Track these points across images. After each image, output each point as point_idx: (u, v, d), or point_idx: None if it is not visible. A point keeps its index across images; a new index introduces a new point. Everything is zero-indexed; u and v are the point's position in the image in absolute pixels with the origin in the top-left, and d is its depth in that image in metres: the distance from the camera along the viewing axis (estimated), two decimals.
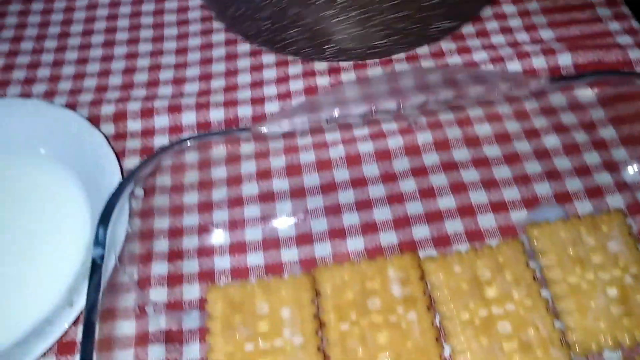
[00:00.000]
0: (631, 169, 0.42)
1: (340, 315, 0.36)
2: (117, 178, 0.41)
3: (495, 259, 0.38)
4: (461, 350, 0.35)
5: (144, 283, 0.39)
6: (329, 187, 0.44)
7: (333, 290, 0.37)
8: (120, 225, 0.36)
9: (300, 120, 0.41)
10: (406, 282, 0.37)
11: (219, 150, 0.44)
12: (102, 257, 0.32)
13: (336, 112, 0.40)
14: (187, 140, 0.39)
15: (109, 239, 0.33)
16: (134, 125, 0.49)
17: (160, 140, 0.48)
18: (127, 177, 0.36)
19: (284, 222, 0.42)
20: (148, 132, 0.49)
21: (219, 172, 0.44)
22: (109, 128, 0.49)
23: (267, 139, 0.44)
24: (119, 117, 0.49)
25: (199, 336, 0.37)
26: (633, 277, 0.36)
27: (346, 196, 0.43)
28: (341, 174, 0.45)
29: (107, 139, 0.46)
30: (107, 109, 0.50)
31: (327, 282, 0.38)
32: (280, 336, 0.35)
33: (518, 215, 0.41)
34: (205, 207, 0.42)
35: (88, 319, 0.31)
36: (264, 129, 0.40)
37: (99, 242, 0.32)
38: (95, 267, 0.33)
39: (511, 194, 0.43)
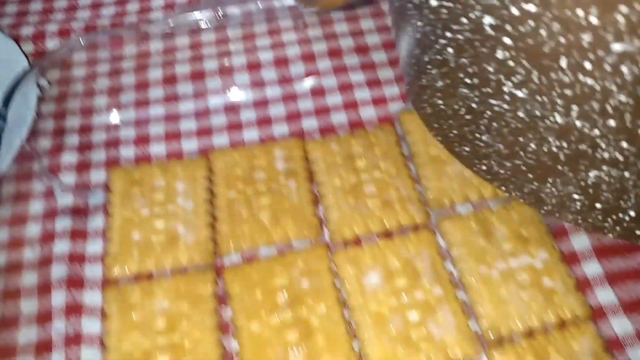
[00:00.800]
0: None
1: (228, 186, 0.41)
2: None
3: (369, 139, 0.43)
4: (331, 207, 0.40)
5: (54, 170, 0.43)
6: (229, 89, 0.48)
7: (224, 167, 0.42)
8: (26, 110, 0.40)
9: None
10: (289, 159, 0.42)
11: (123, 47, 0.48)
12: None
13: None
14: (95, 34, 0.43)
15: (11, 116, 0.37)
16: (52, 44, 0.52)
17: (77, 56, 0.52)
18: (30, 65, 0.40)
19: (185, 119, 0.46)
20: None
21: (128, 78, 0.48)
22: (29, 47, 0.53)
23: (174, 36, 0.48)
24: (38, 37, 0.53)
25: (103, 211, 0.41)
26: None
27: (245, 96, 0.48)
28: (242, 79, 0.49)
29: (25, 54, 0.49)
30: (27, 30, 0.53)
31: (220, 161, 0.42)
32: (174, 203, 0.40)
33: (396, 107, 0.46)
34: (113, 105, 0.46)
35: None
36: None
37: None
38: None
39: (392, 91, 0.48)
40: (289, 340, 0.35)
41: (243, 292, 0.36)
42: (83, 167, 0.44)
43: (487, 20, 0.23)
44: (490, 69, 0.25)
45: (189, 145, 0.45)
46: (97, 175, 0.44)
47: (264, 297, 0.36)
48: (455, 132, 0.31)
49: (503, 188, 0.32)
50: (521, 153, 0.28)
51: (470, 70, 0.26)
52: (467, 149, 0.31)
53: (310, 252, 0.38)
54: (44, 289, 0.38)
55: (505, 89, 0.25)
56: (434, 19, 0.26)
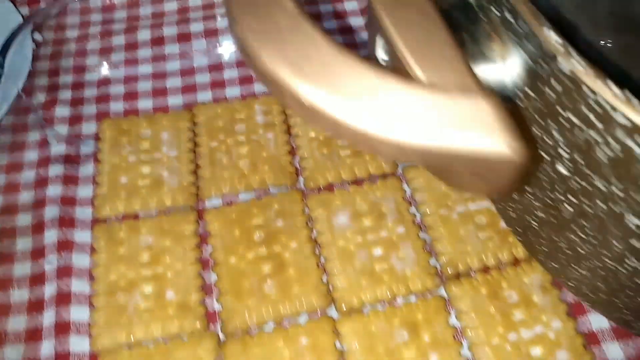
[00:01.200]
0: None
1: (210, 136, 0.44)
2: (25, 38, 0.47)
3: None
4: (306, 157, 0.43)
5: (47, 122, 0.46)
6: (213, 49, 0.51)
7: (207, 120, 0.45)
8: (22, 62, 0.43)
9: None
10: (268, 113, 0.45)
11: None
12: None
13: None
14: None
15: (7, 66, 0.40)
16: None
17: (70, 19, 0.55)
18: (25, 20, 0.42)
19: (171, 77, 0.49)
20: (60, 14, 0.55)
21: (118, 39, 0.51)
22: (24, 10, 0.55)
23: (163, 1, 0.51)
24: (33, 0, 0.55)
25: (94, 159, 0.44)
26: None
27: (228, 56, 0.51)
28: (226, 40, 0.52)
29: (22, 15, 0.52)
30: None
31: (203, 114, 0.45)
32: (159, 151, 0.43)
33: None
34: (104, 63, 0.49)
35: None
36: None
37: None
38: None
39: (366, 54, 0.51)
40: (263, 272, 0.38)
41: (222, 230, 0.39)
42: (75, 120, 0.47)
43: (632, 219, 0.20)
44: (615, 242, 0.22)
45: (175, 100, 0.48)
46: (88, 127, 0.46)
47: (242, 235, 0.39)
48: (545, 248, 0.28)
49: (586, 302, 0.30)
50: (623, 297, 0.25)
51: (588, 230, 0.23)
52: (555, 266, 0.29)
53: (286, 196, 0.41)
54: (38, 228, 0.41)
55: (629, 263, 0.22)
56: (558, 181, 0.22)
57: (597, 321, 0.38)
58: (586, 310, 0.38)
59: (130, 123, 0.44)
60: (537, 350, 0.35)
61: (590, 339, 0.37)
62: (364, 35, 0.52)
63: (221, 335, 0.36)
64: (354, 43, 0.52)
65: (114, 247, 0.38)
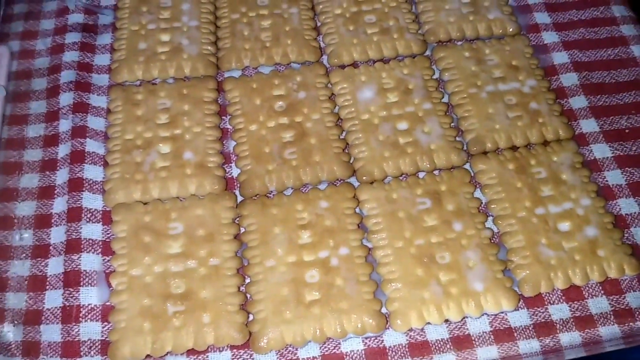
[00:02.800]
0: None
1: (232, 9, 0.42)
2: None
3: None
4: (331, 33, 0.41)
5: None
6: None
7: None
8: None
9: None
10: None
11: None
12: None
13: None
14: None
15: None
16: None
17: None
18: None
19: None
20: None
21: None
22: None
23: None
24: None
25: (112, 29, 0.43)
26: None
27: None
28: None
29: None
30: None
31: None
32: (179, 20, 0.41)
33: None
34: None
35: None
36: None
37: None
38: None
39: None
40: (284, 139, 0.37)
41: (243, 98, 0.38)
42: None
43: None
44: None
45: None
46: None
47: (263, 104, 0.38)
48: None
49: None
50: None
51: None
52: None
53: (309, 69, 0.40)
54: (53, 91, 0.40)
55: None
56: None
57: (627, 205, 0.36)
58: (616, 195, 0.37)
59: None
60: (564, 225, 0.34)
61: (619, 221, 0.36)
62: None
63: (239, 197, 0.35)
64: None
65: (131, 108, 0.37)
